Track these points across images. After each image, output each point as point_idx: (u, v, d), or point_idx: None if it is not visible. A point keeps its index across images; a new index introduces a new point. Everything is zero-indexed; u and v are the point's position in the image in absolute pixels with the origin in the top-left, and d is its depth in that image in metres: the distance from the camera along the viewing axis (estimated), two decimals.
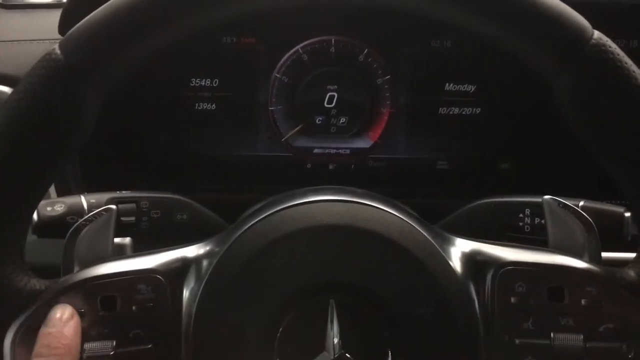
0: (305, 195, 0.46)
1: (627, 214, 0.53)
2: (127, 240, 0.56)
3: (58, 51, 0.39)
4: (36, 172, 0.40)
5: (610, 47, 0.39)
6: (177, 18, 0.40)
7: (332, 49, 0.72)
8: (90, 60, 0.39)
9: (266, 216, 0.45)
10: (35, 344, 0.41)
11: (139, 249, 0.52)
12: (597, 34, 0.40)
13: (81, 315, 0.42)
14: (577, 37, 0.39)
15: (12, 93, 0.40)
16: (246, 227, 0.44)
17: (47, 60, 0.39)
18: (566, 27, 0.39)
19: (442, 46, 0.72)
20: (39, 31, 0.76)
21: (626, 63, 0.39)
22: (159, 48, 0.40)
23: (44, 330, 0.41)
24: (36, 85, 0.39)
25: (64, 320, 0.41)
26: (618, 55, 0.39)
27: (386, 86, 0.73)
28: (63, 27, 0.67)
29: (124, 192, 0.57)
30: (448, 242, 0.45)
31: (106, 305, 0.43)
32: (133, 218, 0.56)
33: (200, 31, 0.41)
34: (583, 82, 0.39)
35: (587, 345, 0.42)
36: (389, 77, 0.73)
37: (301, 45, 0.72)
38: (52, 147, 0.40)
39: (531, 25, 0.39)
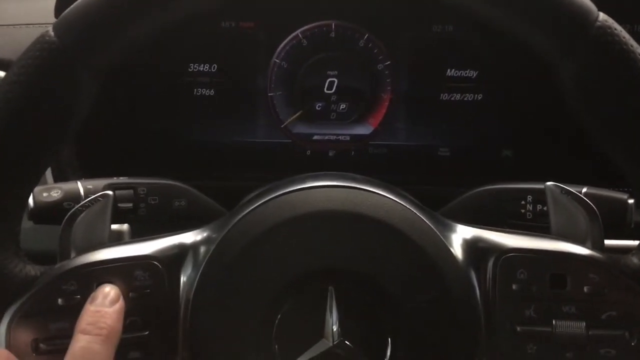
0: (304, 181, 0.45)
1: (631, 201, 0.53)
2: (125, 226, 0.56)
3: (52, 33, 0.39)
4: (31, 156, 0.40)
5: (616, 29, 0.38)
6: None
7: (332, 34, 0.71)
8: (84, 42, 0.38)
9: (265, 202, 0.44)
10: (79, 320, 0.40)
11: (137, 235, 0.52)
12: (602, 16, 0.39)
13: (77, 301, 0.42)
14: (582, 19, 0.38)
15: (6, 76, 0.39)
16: (244, 213, 0.44)
17: (40, 42, 0.39)
18: (571, 9, 0.38)
19: (443, 31, 0.71)
20: (35, 15, 0.75)
21: (632, 46, 0.39)
22: (154, 31, 0.40)
23: (90, 308, 0.41)
24: (30, 68, 0.38)
25: (109, 300, 0.41)
26: (624, 38, 0.38)
27: (387, 72, 0.72)
28: (59, 10, 0.67)
29: (121, 178, 0.56)
30: (449, 229, 0.45)
31: None
32: (130, 204, 0.55)
33: (199, 13, 0.40)
34: (588, 66, 0.39)
35: (590, 333, 0.41)
36: (389, 62, 0.72)
37: (301, 30, 0.71)
38: (46, 131, 0.39)
39: (535, 7, 0.39)
